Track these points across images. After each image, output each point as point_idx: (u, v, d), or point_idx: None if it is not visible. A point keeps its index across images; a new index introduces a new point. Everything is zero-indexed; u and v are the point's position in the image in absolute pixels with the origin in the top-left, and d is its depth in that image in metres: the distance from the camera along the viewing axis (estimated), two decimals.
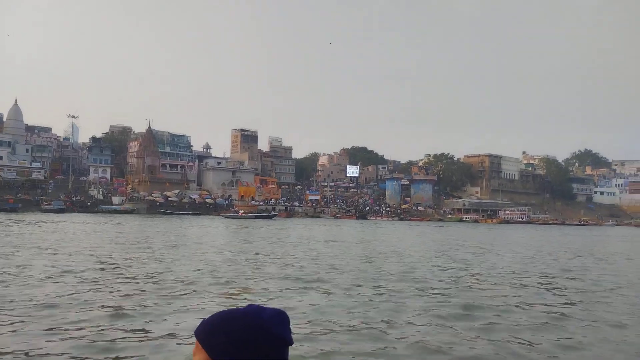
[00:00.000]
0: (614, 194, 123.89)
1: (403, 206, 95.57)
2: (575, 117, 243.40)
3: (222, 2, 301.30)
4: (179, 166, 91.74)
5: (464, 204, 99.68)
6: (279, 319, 1.07)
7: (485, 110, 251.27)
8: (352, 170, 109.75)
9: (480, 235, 36.85)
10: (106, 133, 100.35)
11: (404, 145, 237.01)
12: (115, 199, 74.21)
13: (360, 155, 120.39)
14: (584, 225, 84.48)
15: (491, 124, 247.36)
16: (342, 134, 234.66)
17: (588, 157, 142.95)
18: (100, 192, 76.22)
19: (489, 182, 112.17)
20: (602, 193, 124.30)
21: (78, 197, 72.08)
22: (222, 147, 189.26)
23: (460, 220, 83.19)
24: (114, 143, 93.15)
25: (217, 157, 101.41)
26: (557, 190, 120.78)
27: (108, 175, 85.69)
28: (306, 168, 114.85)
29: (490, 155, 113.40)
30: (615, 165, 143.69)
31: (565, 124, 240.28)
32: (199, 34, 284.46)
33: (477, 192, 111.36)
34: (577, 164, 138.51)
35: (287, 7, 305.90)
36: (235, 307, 1.12)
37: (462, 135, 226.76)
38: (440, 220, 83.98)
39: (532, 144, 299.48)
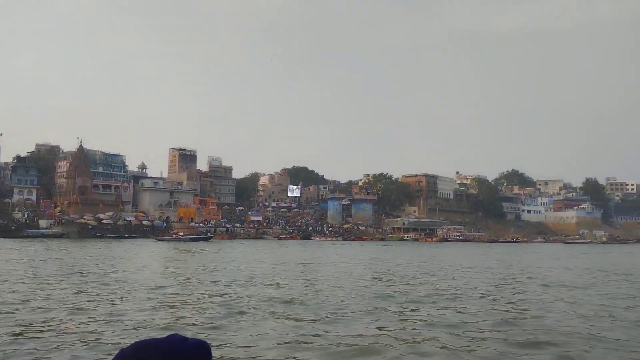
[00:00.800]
0: (540, 212, 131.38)
1: (345, 226, 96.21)
2: (503, 139, 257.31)
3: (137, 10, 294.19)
4: (112, 187, 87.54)
5: (404, 223, 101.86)
6: (200, 349, 1.02)
7: (421, 132, 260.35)
8: (294, 190, 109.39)
9: (424, 254, 37.48)
10: (32, 152, 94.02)
11: (343, 165, 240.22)
12: (43, 222, 69.30)
13: (301, 175, 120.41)
14: (516, 242, 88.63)
15: (426, 144, 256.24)
16: (281, 154, 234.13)
17: (515, 177, 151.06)
18: (26, 215, 70.96)
19: (426, 202, 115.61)
20: (529, 211, 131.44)
21: (0, 221, 66.62)
22: (158, 167, 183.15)
23: (402, 239, 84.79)
24: (40, 162, 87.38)
25: (154, 178, 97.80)
26: (488, 208, 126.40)
27: (34, 197, 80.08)
28: (247, 188, 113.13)
29: (427, 175, 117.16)
30: (539, 184, 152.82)
31: (494, 145, 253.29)
32: (130, 47, 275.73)
33: (414, 211, 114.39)
34: (505, 184, 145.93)
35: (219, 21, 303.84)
36: (156, 337, 1.07)
37: (399, 155, 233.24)
38: (382, 239, 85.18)
39: (464, 165, 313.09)
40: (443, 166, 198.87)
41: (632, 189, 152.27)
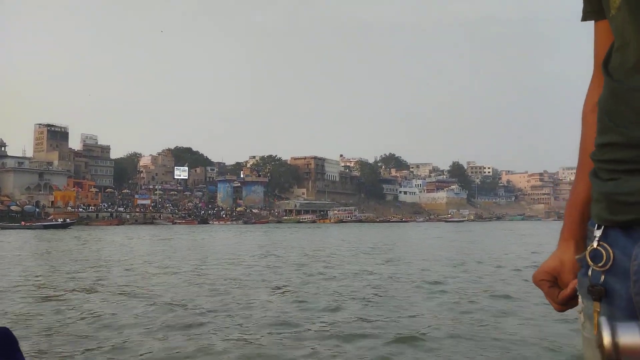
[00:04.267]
0: (414, 193, 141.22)
1: (238, 209, 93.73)
2: (381, 124, 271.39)
3: None
4: None
5: (295, 205, 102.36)
6: None
7: (307, 115, 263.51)
8: (181, 172, 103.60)
9: (351, 236, 37.75)
10: None
11: (227, 146, 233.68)
12: None
13: (185, 156, 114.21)
14: (404, 222, 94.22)
15: (311, 128, 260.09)
16: (161, 133, 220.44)
17: (392, 160, 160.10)
18: None
19: (315, 184, 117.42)
20: (405, 192, 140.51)
21: None
22: (20, 145, 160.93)
23: (299, 222, 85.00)
24: None
25: (17, 157, 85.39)
26: (370, 190, 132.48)
27: None
28: (126, 169, 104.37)
29: (315, 158, 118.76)
30: (412, 167, 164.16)
31: (373, 130, 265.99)
32: None
33: (303, 193, 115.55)
34: (383, 167, 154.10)
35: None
36: None
37: (283, 137, 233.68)
38: (278, 222, 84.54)
39: (348, 148, 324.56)
40: (327, 149, 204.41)
41: (489, 172, 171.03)
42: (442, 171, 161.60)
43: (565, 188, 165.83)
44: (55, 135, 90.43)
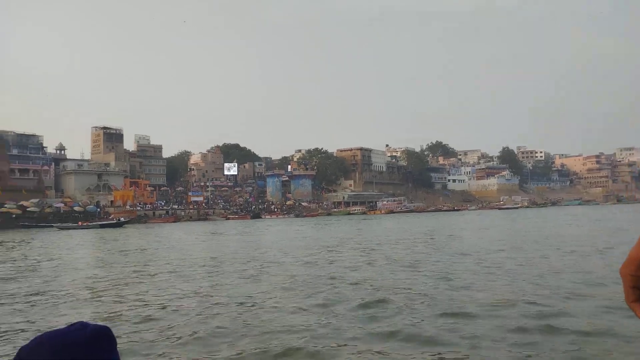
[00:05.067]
0: (463, 180, 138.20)
1: (288, 202, 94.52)
2: (427, 112, 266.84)
3: None
4: (31, 171, 78.59)
5: (343, 197, 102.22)
6: (99, 335, 0.97)
7: (350, 106, 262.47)
8: (230, 169, 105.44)
9: (412, 225, 37.22)
10: None
11: (272, 141, 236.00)
12: None
13: (233, 152, 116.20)
14: (456, 210, 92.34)
15: (356, 119, 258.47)
16: (209, 131, 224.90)
17: (439, 148, 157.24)
18: None
19: (362, 175, 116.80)
20: (454, 181, 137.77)
21: None
22: (78, 148, 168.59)
23: (348, 214, 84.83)
24: None
25: (77, 160, 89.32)
26: (417, 179, 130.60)
27: None
28: (177, 168, 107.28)
29: (361, 149, 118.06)
30: (460, 155, 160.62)
31: (419, 118, 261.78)
32: (48, 23, 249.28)
33: (350, 185, 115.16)
34: (430, 155, 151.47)
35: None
36: (57, 329, 1.00)
37: (329, 130, 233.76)
38: (328, 214, 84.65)
39: (394, 138, 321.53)
40: (372, 140, 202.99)
41: (541, 156, 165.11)
42: (492, 157, 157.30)
43: (624, 170, 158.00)
44: (111, 137, 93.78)
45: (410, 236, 25.82)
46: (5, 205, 64.05)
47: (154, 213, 77.17)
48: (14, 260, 18.91)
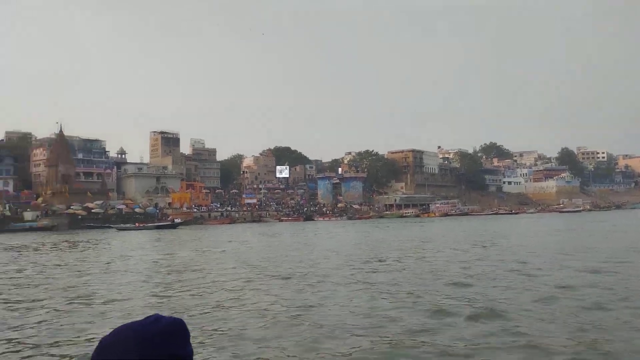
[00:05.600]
0: (519, 183, 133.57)
1: (339, 205, 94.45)
2: (479, 112, 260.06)
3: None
4: (95, 174, 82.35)
5: (395, 200, 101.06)
6: (174, 327, 1.00)
7: (398, 108, 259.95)
8: (282, 171, 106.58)
9: (477, 229, 36.15)
10: (0, 140, 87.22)
11: (322, 144, 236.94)
12: (28, 215, 64.30)
13: (285, 155, 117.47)
14: (514, 213, 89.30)
15: (407, 120, 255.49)
16: (261, 134, 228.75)
17: (493, 149, 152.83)
18: (7, 208, 65.59)
19: (413, 177, 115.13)
20: (509, 183, 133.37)
21: None
22: (138, 152, 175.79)
23: (401, 216, 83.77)
24: (13, 151, 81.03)
25: (137, 163, 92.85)
26: (471, 181, 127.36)
27: (10, 188, 74.27)
28: (231, 170, 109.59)
29: (413, 151, 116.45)
30: (516, 156, 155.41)
31: (471, 119, 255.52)
32: (104, 30, 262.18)
33: (402, 187, 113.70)
34: (484, 157, 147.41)
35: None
36: (134, 321, 1.03)
37: (378, 132, 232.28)
38: (380, 217, 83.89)
39: (446, 139, 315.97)
40: (424, 141, 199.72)
41: (603, 157, 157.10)
42: (549, 158, 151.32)
43: None
44: (168, 141, 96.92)
45: (491, 239, 24.99)
46: (72, 207, 67.34)
47: (209, 215, 79.05)
48: (100, 260, 19.68)
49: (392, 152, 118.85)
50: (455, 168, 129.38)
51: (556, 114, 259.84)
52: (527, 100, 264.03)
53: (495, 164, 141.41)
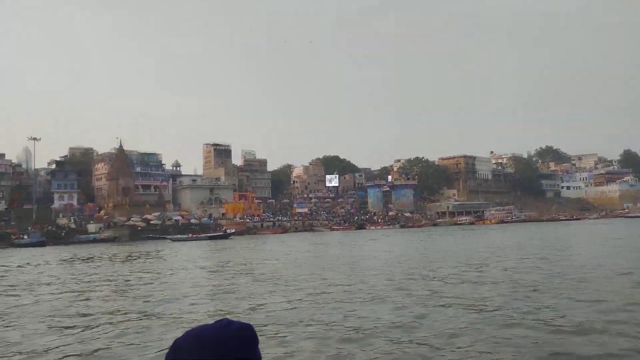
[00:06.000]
0: (579, 187, 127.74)
1: (390, 213, 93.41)
2: (534, 115, 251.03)
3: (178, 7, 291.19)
4: (152, 187, 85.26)
5: (448, 207, 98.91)
6: (244, 332, 1.03)
7: (446, 113, 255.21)
8: (332, 180, 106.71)
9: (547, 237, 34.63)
10: (65, 156, 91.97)
11: (370, 152, 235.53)
12: (91, 227, 67.29)
13: (333, 164, 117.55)
14: (575, 219, 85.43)
15: (457, 126, 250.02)
16: (308, 144, 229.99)
17: (549, 153, 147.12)
18: (72, 221, 68.92)
19: (466, 184, 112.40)
20: (568, 187, 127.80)
21: (49, 228, 64.62)
22: (191, 164, 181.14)
23: (455, 224, 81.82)
24: (77, 166, 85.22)
25: (191, 175, 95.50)
26: (526, 187, 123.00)
27: (75, 201, 78.01)
28: (281, 180, 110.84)
29: (465, 156, 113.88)
30: (574, 160, 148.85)
31: (524, 122, 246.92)
32: (155, 43, 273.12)
33: (454, 194, 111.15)
34: (540, 161, 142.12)
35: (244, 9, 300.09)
36: (206, 324, 1.08)
37: (426, 138, 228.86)
38: (434, 225, 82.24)
39: (498, 144, 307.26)
40: (475, 147, 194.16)
41: None
42: (611, 161, 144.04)
43: None
44: (221, 153, 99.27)
45: (569, 246, 23.86)
46: (132, 219, 69.95)
47: (261, 225, 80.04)
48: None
49: (443, 159, 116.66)
50: (510, 173, 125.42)
51: (618, 114, 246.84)
52: (585, 101, 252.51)
53: (552, 168, 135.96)
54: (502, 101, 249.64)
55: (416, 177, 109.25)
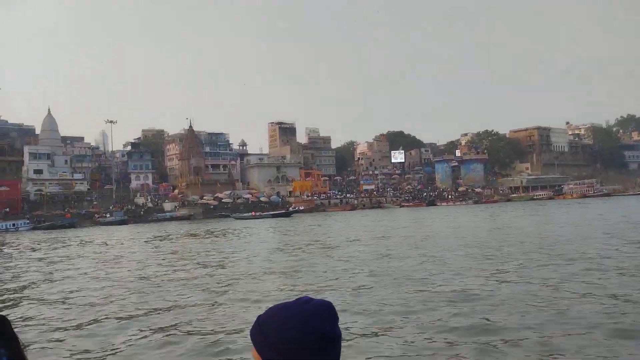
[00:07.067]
0: None
1: (460, 189, 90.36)
2: (611, 82, 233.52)
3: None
4: (221, 166, 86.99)
5: (521, 182, 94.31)
6: (324, 309, 1.05)
7: (515, 84, 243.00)
8: (397, 156, 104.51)
9: None
10: (138, 138, 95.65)
11: (436, 126, 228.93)
12: (167, 205, 69.66)
13: (398, 140, 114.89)
14: None
15: (527, 95, 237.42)
16: (371, 119, 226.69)
17: (632, 122, 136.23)
18: (149, 200, 71.70)
19: (540, 157, 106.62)
20: None
21: (128, 207, 67.58)
22: (257, 142, 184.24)
23: (532, 199, 77.84)
24: (150, 147, 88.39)
25: (257, 154, 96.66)
26: (607, 159, 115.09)
27: (150, 181, 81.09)
28: (345, 157, 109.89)
29: (539, 128, 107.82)
30: None
31: (602, 89, 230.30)
32: (215, 31, 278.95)
33: (527, 169, 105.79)
34: (621, 131, 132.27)
35: None
36: (287, 301, 1.11)
37: (494, 110, 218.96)
38: (507, 200, 78.68)
39: (575, 114, 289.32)
40: (549, 117, 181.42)
41: None
42: None
43: None
44: (285, 131, 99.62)
45: None
46: (205, 197, 71.75)
47: (329, 202, 79.77)
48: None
49: (515, 131, 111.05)
50: (588, 145, 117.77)
51: None
52: None
53: (636, 138, 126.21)
54: (577, 67, 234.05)
55: (486, 151, 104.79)
